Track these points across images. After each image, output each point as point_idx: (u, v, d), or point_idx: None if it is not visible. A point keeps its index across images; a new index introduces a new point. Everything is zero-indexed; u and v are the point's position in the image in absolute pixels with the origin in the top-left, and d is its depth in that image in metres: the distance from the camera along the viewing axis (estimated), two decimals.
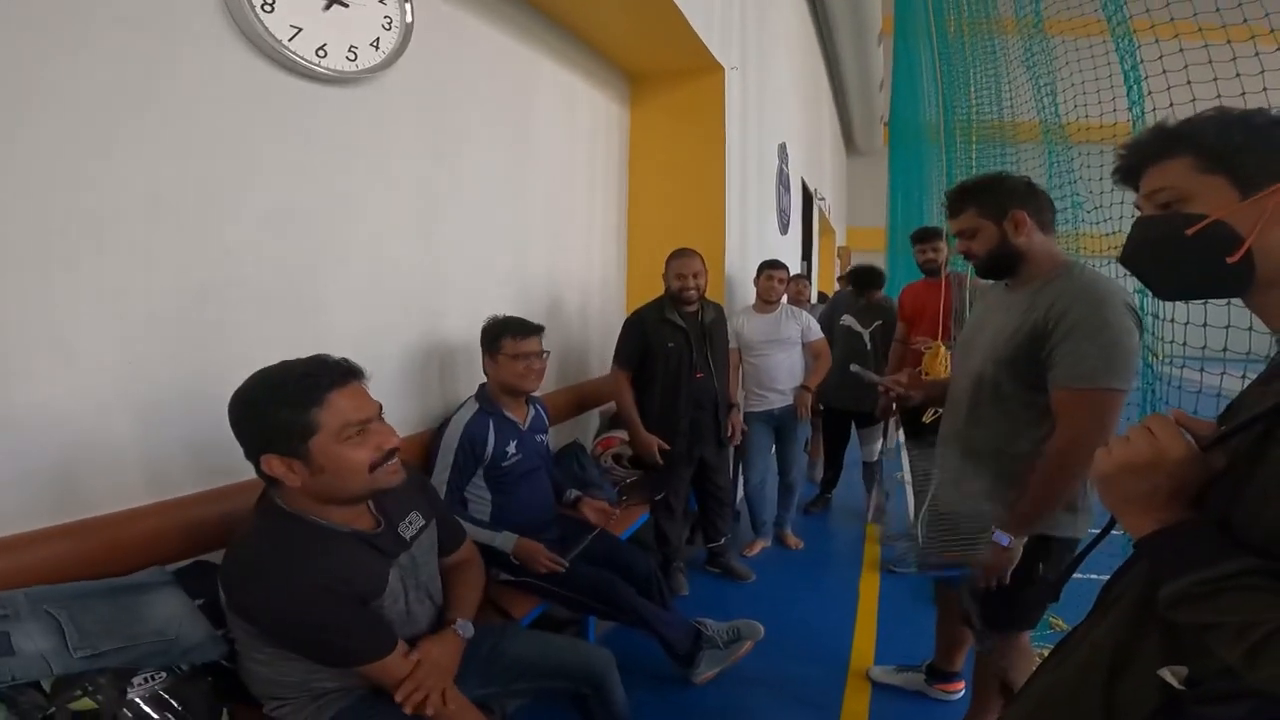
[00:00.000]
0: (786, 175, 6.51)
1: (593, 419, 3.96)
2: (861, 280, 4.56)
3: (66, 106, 1.56)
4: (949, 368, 3.44)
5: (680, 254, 3.36)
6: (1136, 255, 0.96)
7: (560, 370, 3.61)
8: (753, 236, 5.10)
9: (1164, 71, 1.99)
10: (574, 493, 2.77)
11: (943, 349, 3.59)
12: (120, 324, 1.68)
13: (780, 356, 3.91)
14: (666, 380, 3.32)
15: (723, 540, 3.74)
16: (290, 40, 1.98)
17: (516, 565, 2.37)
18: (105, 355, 1.66)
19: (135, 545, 1.67)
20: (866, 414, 4.41)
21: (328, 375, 1.44)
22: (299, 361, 1.46)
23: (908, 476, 4.83)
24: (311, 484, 1.42)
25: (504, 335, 2.50)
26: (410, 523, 1.66)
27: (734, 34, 4.52)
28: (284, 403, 1.39)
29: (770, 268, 3.95)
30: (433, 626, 1.70)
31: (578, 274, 3.83)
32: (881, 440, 4.69)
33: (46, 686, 1.37)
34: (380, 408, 1.52)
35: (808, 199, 8.58)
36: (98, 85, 1.61)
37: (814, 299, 7.33)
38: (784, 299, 4.18)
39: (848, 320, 4.52)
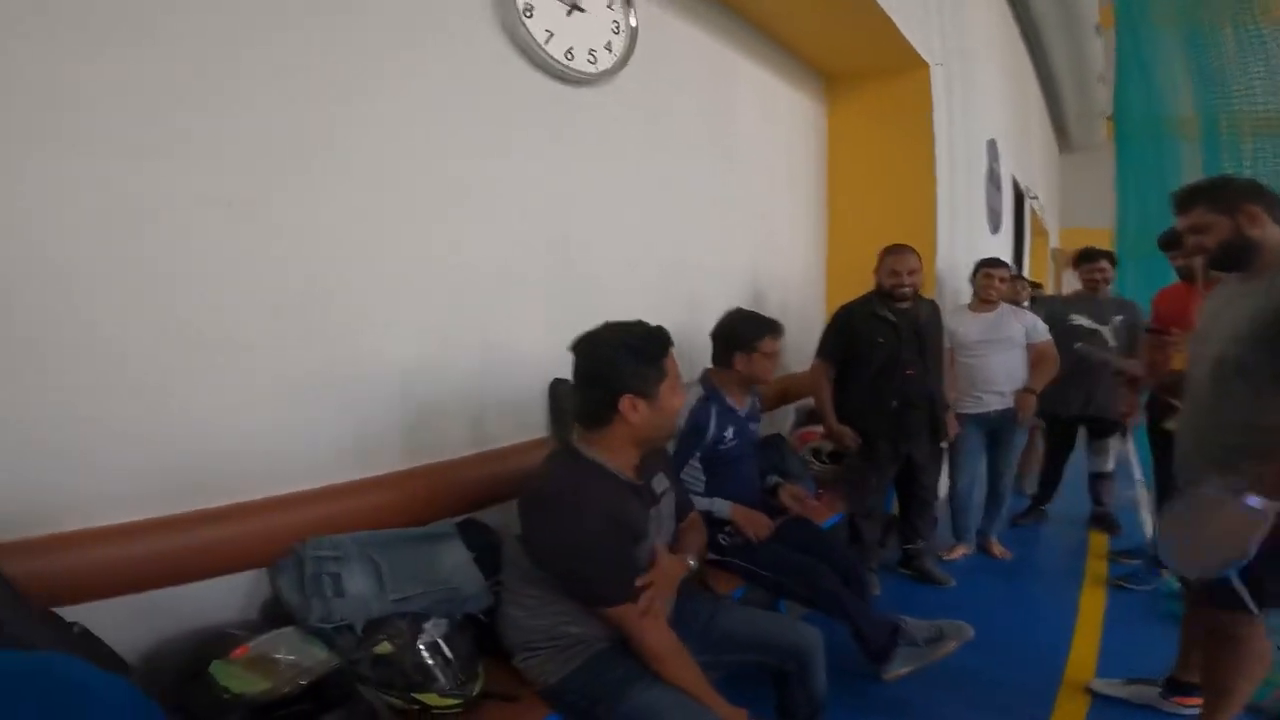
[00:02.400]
0: (997, 173, 6.04)
1: (787, 414, 3.88)
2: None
3: (393, 120, 1.85)
4: None
5: (896, 250, 3.21)
6: None
7: None
8: (962, 235, 4.76)
9: None
10: (774, 478, 2.74)
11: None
12: (436, 296, 2.00)
13: (1000, 357, 3.59)
14: (873, 376, 3.16)
15: (920, 543, 3.52)
16: (546, 44, 2.14)
17: (722, 545, 2.40)
18: (429, 321, 1.97)
19: (452, 492, 1.96)
20: (1099, 421, 4.01)
21: (667, 334, 1.66)
22: (636, 322, 1.66)
23: (1143, 493, 4.33)
24: (648, 422, 1.61)
25: (766, 334, 2.52)
26: (659, 482, 1.79)
27: (934, 30, 4.25)
28: (645, 353, 1.60)
29: (990, 266, 3.66)
30: None
31: (779, 270, 3.78)
32: (1116, 449, 4.20)
33: (359, 629, 1.55)
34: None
35: (1019, 198, 7.91)
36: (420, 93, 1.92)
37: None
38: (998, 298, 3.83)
39: (1078, 319, 4.05)
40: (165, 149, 1.46)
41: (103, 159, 1.38)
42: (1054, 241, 12.24)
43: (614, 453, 1.64)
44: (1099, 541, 4.14)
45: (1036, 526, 4.44)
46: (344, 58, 1.75)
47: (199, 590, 1.53)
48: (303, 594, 1.57)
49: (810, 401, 3.71)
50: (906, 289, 3.15)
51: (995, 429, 3.69)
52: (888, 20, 3.41)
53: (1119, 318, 4.00)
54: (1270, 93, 3.30)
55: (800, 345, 3.74)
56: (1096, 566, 3.78)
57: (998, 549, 3.88)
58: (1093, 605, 3.33)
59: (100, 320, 1.39)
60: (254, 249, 1.61)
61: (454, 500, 1.95)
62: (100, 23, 1.36)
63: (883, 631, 2.49)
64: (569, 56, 2.21)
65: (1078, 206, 13.43)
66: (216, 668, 1.33)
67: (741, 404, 2.59)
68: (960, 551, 3.83)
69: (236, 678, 1.32)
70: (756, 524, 2.40)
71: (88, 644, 1.27)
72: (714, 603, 1.99)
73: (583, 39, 2.28)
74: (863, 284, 3.34)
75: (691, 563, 1.85)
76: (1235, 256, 1.83)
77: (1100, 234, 10.44)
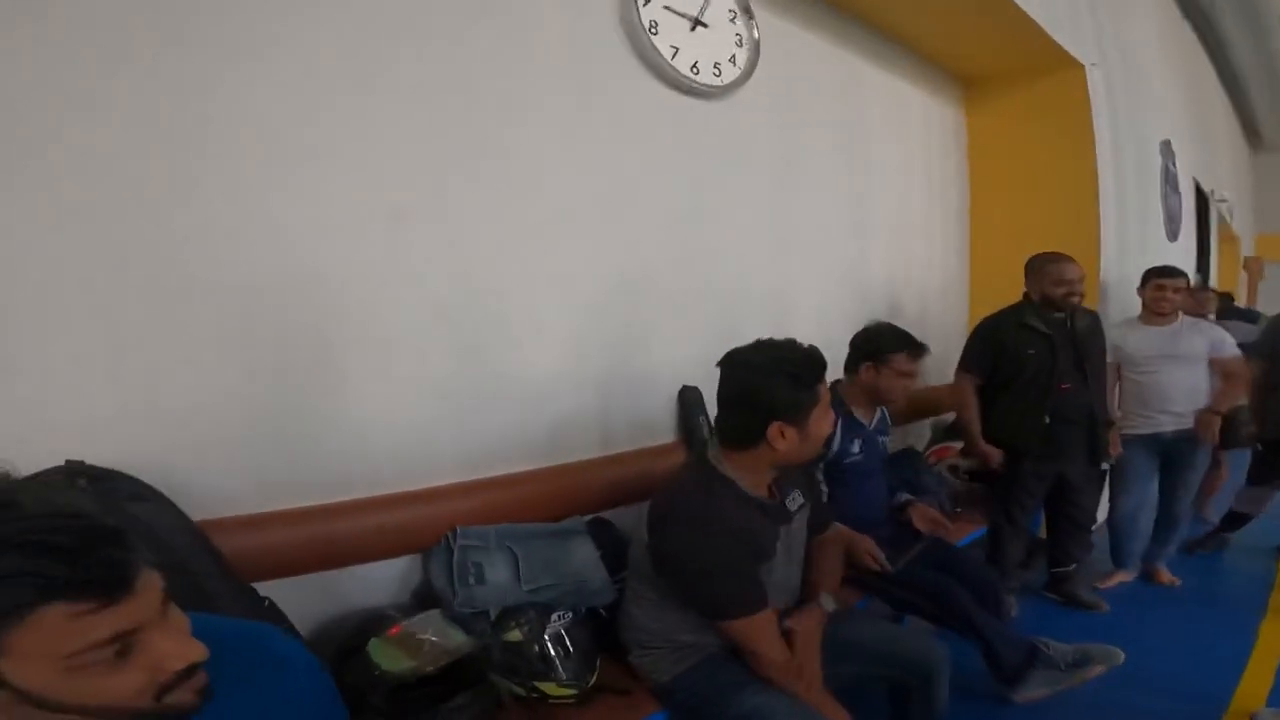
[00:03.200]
0: (1174, 175, 5.50)
1: (923, 429, 3.71)
2: None
3: (541, 139, 2.03)
4: None
5: (1059, 258, 2.96)
6: None
7: None
8: (1133, 242, 4.33)
9: None
10: (904, 495, 2.58)
11: None
12: (576, 304, 2.13)
13: (1178, 374, 3.22)
14: (1024, 390, 2.93)
15: (1072, 566, 3.20)
16: (673, 59, 2.21)
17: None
18: (570, 329, 2.10)
19: (583, 492, 2.07)
20: None
21: (822, 359, 1.58)
22: (789, 343, 1.61)
23: None
24: (794, 449, 1.57)
25: (900, 350, 2.41)
26: (793, 499, 1.73)
27: (1087, 29, 3.94)
28: (801, 378, 1.52)
29: (1160, 275, 3.29)
30: (797, 594, 1.77)
31: (916, 281, 3.63)
32: None
33: (493, 615, 1.64)
34: None
35: (1202, 201, 7.15)
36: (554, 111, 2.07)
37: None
38: (1179, 313, 3.41)
39: None
40: (333, 160, 1.65)
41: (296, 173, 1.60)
42: (1246, 249, 10.92)
43: (750, 472, 1.60)
44: None
45: (1217, 555, 3.93)
46: (502, 77, 1.92)
47: (364, 571, 1.70)
48: (449, 580, 1.69)
49: (948, 417, 3.53)
50: (1076, 298, 2.94)
51: (1170, 451, 3.31)
52: (1030, 21, 3.21)
53: None
54: None
55: (940, 357, 3.54)
56: None
57: (1165, 576, 3.48)
58: (1275, 635, 2.93)
59: (320, 323, 1.63)
60: (418, 257, 1.79)
61: (585, 499, 2.04)
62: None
63: (1018, 651, 2.31)
64: (695, 70, 2.27)
65: (1273, 210, 11.93)
66: (374, 645, 1.45)
67: (869, 417, 2.50)
68: (1119, 579, 3.45)
69: (388, 655, 1.43)
70: (866, 552, 2.17)
71: (274, 616, 1.44)
72: (837, 613, 1.89)
73: (707, 53, 2.32)
74: (1008, 294, 3.13)
75: (829, 607, 1.76)
76: None
77: None
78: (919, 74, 3.74)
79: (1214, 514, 4.10)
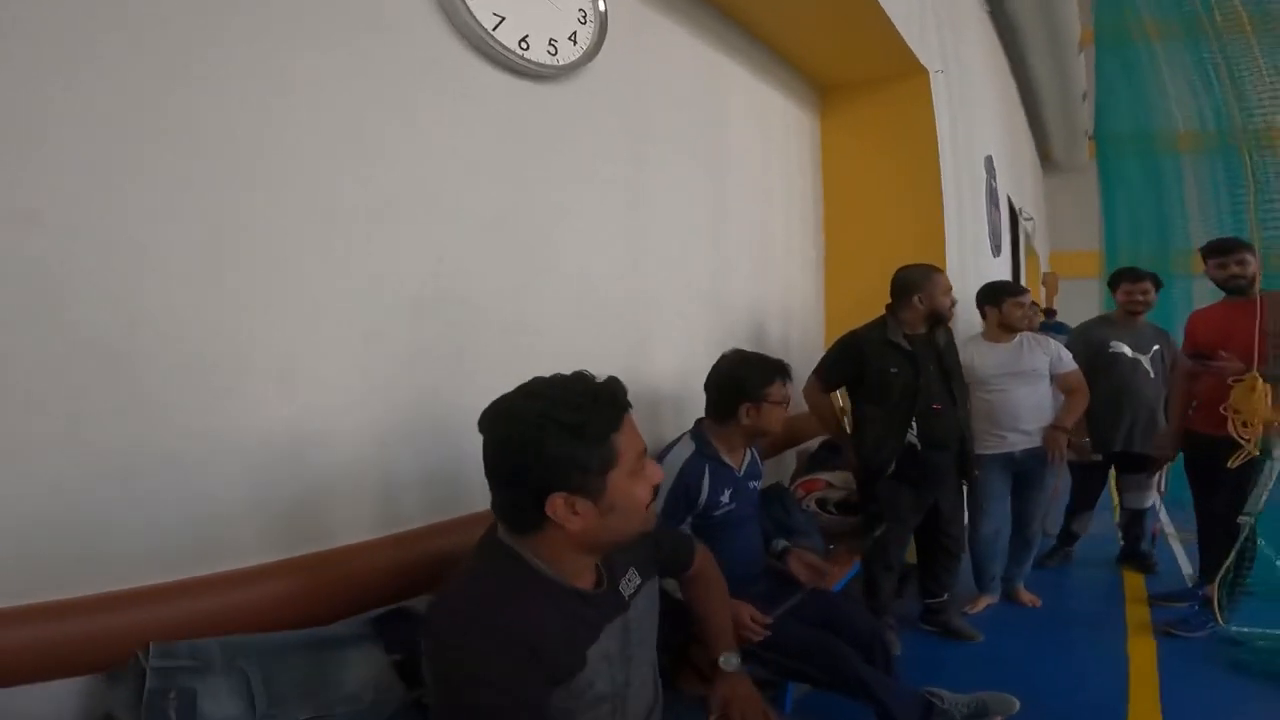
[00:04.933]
0: (995, 191, 5.82)
1: (788, 460, 3.52)
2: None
3: (273, 114, 1.43)
4: (1272, 403, 2.81)
5: (938, 270, 2.93)
6: None
7: None
8: (969, 258, 4.49)
9: None
10: (782, 543, 2.39)
11: (1260, 381, 2.86)
12: (339, 341, 1.56)
13: (1023, 391, 3.27)
14: (892, 412, 2.84)
15: (945, 597, 3.18)
16: (495, 30, 1.81)
17: None
18: (325, 370, 1.52)
19: (369, 582, 1.53)
20: (1134, 456, 3.71)
21: (619, 395, 1.17)
22: (573, 377, 1.17)
23: (1167, 528, 4.06)
24: (595, 528, 1.13)
25: (774, 380, 2.19)
26: (629, 580, 1.33)
27: (932, 35, 4.03)
28: (583, 429, 1.09)
29: (1013, 293, 3.37)
30: (654, 691, 1.39)
31: (777, 299, 3.46)
32: (1155, 487, 3.91)
33: None
34: None
35: (1013, 218, 7.72)
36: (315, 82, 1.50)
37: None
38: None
39: (1119, 346, 3.76)
40: None
41: None
42: (1043, 265, 12.10)
43: (555, 561, 1.17)
44: (1135, 584, 3.83)
45: (1063, 569, 4.13)
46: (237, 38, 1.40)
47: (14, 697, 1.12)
48: (138, 717, 1.16)
49: (813, 445, 3.37)
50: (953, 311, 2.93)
51: (1021, 470, 3.36)
52: (888, 22, 3.17)
53: (1156, 347, 3.73)
54: None
55: (800, 381, 3.41)
56: (1138, 612, 3.48)
57: (1026, 596, 3.57)
58: (1143, 656, 3.02)
59: None
60: (56, 277, 1.20)
61: (364, 593, 1.52)
62: None
63: (913, 709, 2.15)
64: (524, 46, 1.89)
65: (1065, 228, 13.37)
66: None
67: (738, 462, 2.26)
68: (985, 603, 3.49)
69: None
70: (740, 624, 1.95)
71: None
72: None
73: (541, 26, 1.96)
74: (864, 312, 3.04)
75: (730, 667, 1.57)
76: None
77: (1089, 256, 10.31)
78: (780, 76, 3.62)
79: (1053, 525, 4.28)
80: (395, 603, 1.55)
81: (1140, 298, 3.76)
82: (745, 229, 3.17)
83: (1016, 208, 7.79)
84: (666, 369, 2.43)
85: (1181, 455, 3.48)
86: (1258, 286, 3.06)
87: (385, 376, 1.63)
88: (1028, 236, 9.16)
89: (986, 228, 5.39)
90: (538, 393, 1.13)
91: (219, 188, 1.36)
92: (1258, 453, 2.88)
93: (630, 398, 2.30)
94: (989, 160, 5.65)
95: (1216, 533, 3.13)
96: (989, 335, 3.41)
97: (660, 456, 2.17)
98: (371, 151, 1.61)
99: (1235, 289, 3.10)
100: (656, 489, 1.21)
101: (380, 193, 1.62)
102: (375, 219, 1.61)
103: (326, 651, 1.36)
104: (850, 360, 2.92)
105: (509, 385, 1.17)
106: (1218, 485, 3.09)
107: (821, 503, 3.11)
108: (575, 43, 2.05)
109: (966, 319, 3.71)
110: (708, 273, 2.87)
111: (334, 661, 1.36)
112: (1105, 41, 7.75)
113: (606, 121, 2.27)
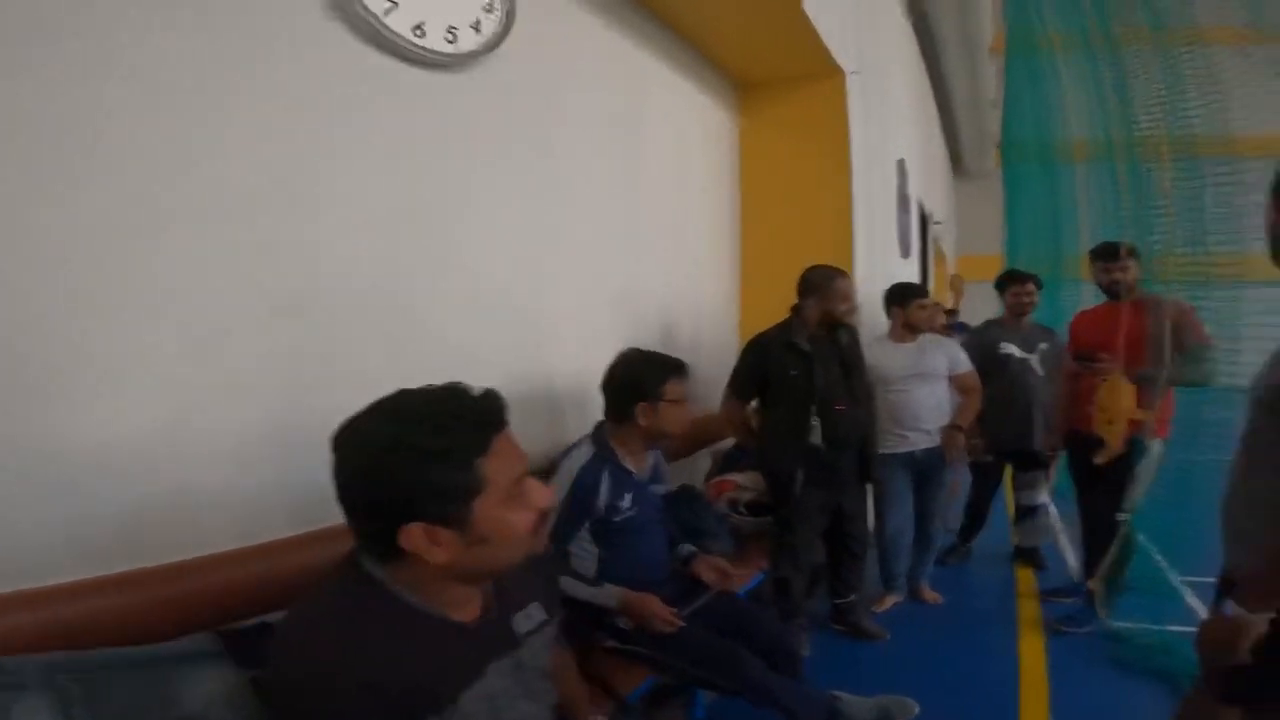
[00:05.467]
0: (906, 195, 5.98)
1: (702, 460, 3.53)
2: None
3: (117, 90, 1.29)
4: (1133, 404, 2.98)
5: (840, 273, 2.96)
6: None
7: None
8: (878, 260, 4.60)
9: None
10: (688, 548, 2.38)
11: (1124, 382, 3.01)
12: (191, 345, 1.42)
13: (924, 391, 3.39)
14: (791, 414, 2.87)
15: (852, 597, 3.25)
16: (385, 15, 1.71)
17: (624, 631, 2.04)
18: (162, 377, 1.38)
19: (215, 597, 1.39)
20: (1029, 454, 3.88)
21: (490, 413, 1.05)
22: (439, 391, 1.05)
23: (1058, 524, 4.29)
24: (464, 559, 1.01)
25: (670, 377, 2.16)
26: (528, 616, 1.22)
27: (850, 37, 4.10)
28: (441, 455, 0.98)
29: (918, 295, 3.48)
30: None
31: (690, 297, 3.45)
32: (1045, 484, 4.09)
33: None
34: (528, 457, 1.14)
35: (923, 223, 7.98)
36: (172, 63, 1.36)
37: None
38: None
39: (1008, 348, 3.93)
40: None
41: None
42: (951, 268, 12.58)
43: (424, 590, 1.06)
44: (1026, 580, 4.04)
45: (962, 566, 4.31)
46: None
47: None
48: None
49: (726, 444, 3.40)
50: (854, 314, 2.99)
51: (922, 469, 3.48)
52: (806, 21, 3.18)
53: (1044, 345, 3.91)
54: (1182, 115, 3.21)
55: (716, 381, 3.41)
56: (1029, 608, 3.66)
57: (929, 594, 3.71)
58: (1033, 653, 3.17)
59: None
60: None
61: (216, 608, 1.40)
62: None
63: (819, 716, 2.19)
64: (418, 33, 1.79)
65: (973, 232, 13.94)
66: None
67: (640, 466, 2.23)
68: (891, 602, 3.61)
69: None
70: (651, 615, 1.99)
71: None
72: None
73: (439, 13, 1.87)
74: (778, 312, 3.06)
75: None
76: None
77: (995, 260, 10.76)
78: (699, 72, 3.60)
79: (953, 522, 4.45)
80: (258, 617, 1.44)
81: (1025, 299, 3.96)
82: (659, 226, 3.15)
83: (927, 211, 8.06)
84: (570, 368, 2.37)
85: (1065, 453, 3.66)
86: (1137, 291, 3.24)
87: (244, 378, 1.51)
88: (937, 240, 9.50)
89: (896, 230, 5.54)
90: (392, 412, 1.03)
91: (49, 182, 1.22)
92: (1121, 450, 3.04)
93: (530, 398, 2.22)
94: (901, 164, 5.80)
95: (1098, 529, 3.31)
96: (894, 335, 3.51)
97: (558, 461, 2.13)
98: (233, 144, 1.47)
99: (1116, 293, 3.27)
100: (548, 512, 1.13)
101: (242, 186, 1.49)
102: (235, 215, 1.48)
103: (164, 668, 1.23)
104: (755, 365, 2.95)
105: (389, 388, 1.08)
106: (1098, 483, 3.26)
107: (733, 504, 3.12)
108: (479, 31, 1.96)
109: (874, 319, 3.80)
110: (618, 269, 2.83)
111: (173, 678, 1.23)
112: (1014, 49, 8.06)
113: (511, 112, 2.19)
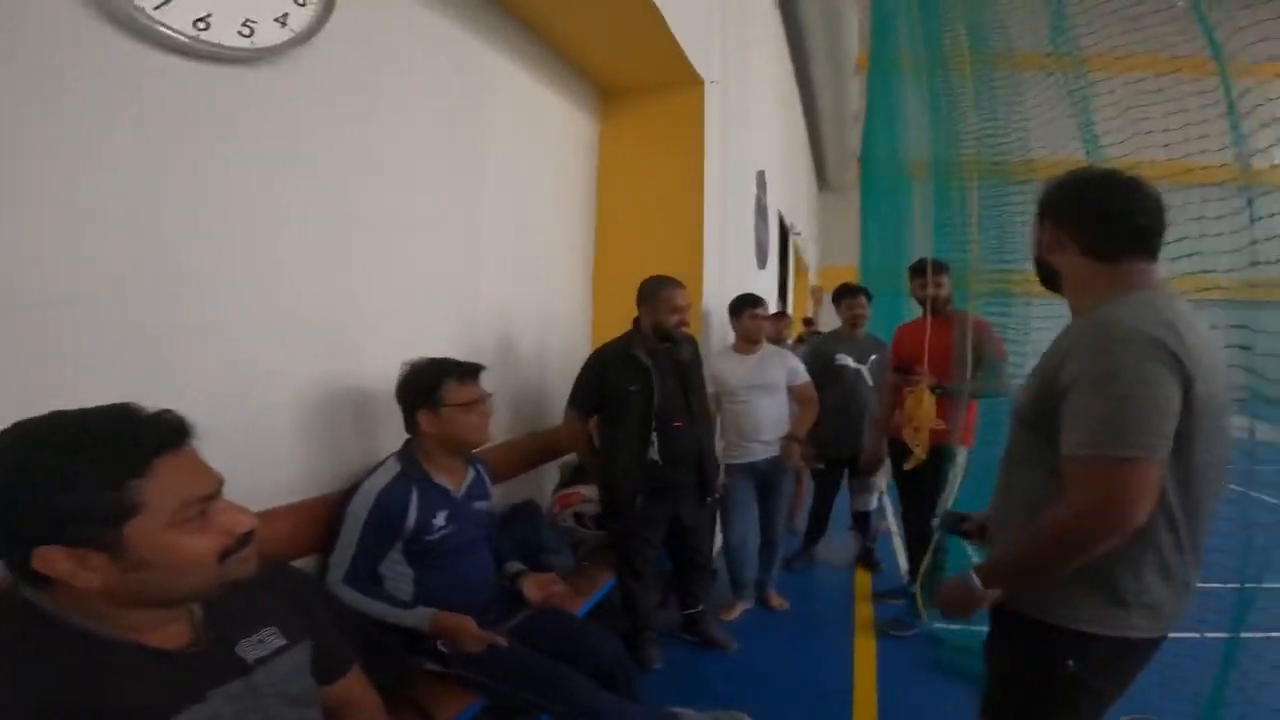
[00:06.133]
0: (764, 205, 6.17)
1: (550, 473, 3.48)
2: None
3: None
4: (934, 414, 3.21)
5: (670, 283, 2.98)
6: None
7: (513, 417, 3.15)
8: (731, 269, 4.71)
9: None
10: (516, 565, 2.33)
11: (927, 393, 3.22)
12: None
13: (764, 402, 3.50)
14: (632, 429, 2.89)
15: (700, 607, 3.32)
16: (156, 9, 1.55)
17: (445, 653, 1.97)
18: None
19: None
20: (859, 461, 4.09)
21: (152, 434, 0.99)
22: (92, 412, 0.99)
23: (894, 527, 4.54)
24: (121, 584, 0.97)
25: (444, 382, 2.07)
26: (260, 641, 1.17)
27: (714, 47, 4.17)
28: (73, 473, 0.93)
29: (751, 305, 3.57)
30: None
31: (536, 306, 3.39)
32: (876, 489, 4.34)
33: None
34: (222, 479, 1.08)
35: (784, 233, 8.26)
36: None
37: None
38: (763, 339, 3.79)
39: (843, 359, 4.15)
40: None
41: None
42: (813, 279, 13.12)
43: (101, 616, 1.00)
44: (864, 583, 4.25)
45: (808, 570, 4.49)
46: None
47: None
48: None
49: (573, 457, 3.37)
50: (685, 327, 3.00)
51: (764, 478, 3.61)
52: (666, 29, 3.19)
53: (875, 356, 4.14)
54: (994, 139, 3.48)
55: (562, 393, 3.37)
56: (864, 610, 3.85)
57: (776, 600, 3.84)
58: (866, 655, 3.34)
59: None
60: None
61: None
62: None
63: None
64: (201, 26, 1.64)
65: (833, 244, 14.65)
66: None
67: (456, 480, 2.16)
68: (740, 609, 3.70)
69: None
70: (465, 636, 1.93)
71: None
72: None
73: (232, 7, 1.72)
74: (630, 322, 3.07)
75: None
76: (1043, 277, 1.59)
77: (853, 271, 11.37)
78: (558, 75, 3.54)
79: (801, 524, 4.68)
80: None
81: (859, 311, 4.20)
82: (503, 231, 3.07)
83: (788, 223, 8.35)
84: (386, 379, 2.21)
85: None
86: (950, 306, 3.48)
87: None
88: (798, 250, 9.88)
89: (754, 240, 5.69)
90: (24, 433, 0.97)
91: None
92: (924, 458, 3.26)
93: (335, 412, 2.08)
94: (761, 175, 5.98)
95: (916, 534, 3.53)
96: (737, 347, 3.62)
97: (354, 485, 2.04)
98: None
99: (932, 308, 3.50)
100: (248, 536, 1.08)
101: None
102: None
103: None
104: (595, 380, 2.95)
105: (138, 397, 1.00)
106: (917, 489, 3.49)
107: (578, 517, 3.09)
108: (284, 24, 1.82)
109: (726, 330, 3.89)
110: (450, 274, 2.72)
111: None
112: (875, 67, 8.52)
113: (321, 109, 2.04)
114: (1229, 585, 2.25)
